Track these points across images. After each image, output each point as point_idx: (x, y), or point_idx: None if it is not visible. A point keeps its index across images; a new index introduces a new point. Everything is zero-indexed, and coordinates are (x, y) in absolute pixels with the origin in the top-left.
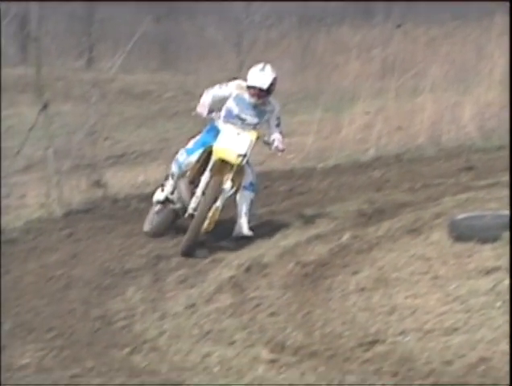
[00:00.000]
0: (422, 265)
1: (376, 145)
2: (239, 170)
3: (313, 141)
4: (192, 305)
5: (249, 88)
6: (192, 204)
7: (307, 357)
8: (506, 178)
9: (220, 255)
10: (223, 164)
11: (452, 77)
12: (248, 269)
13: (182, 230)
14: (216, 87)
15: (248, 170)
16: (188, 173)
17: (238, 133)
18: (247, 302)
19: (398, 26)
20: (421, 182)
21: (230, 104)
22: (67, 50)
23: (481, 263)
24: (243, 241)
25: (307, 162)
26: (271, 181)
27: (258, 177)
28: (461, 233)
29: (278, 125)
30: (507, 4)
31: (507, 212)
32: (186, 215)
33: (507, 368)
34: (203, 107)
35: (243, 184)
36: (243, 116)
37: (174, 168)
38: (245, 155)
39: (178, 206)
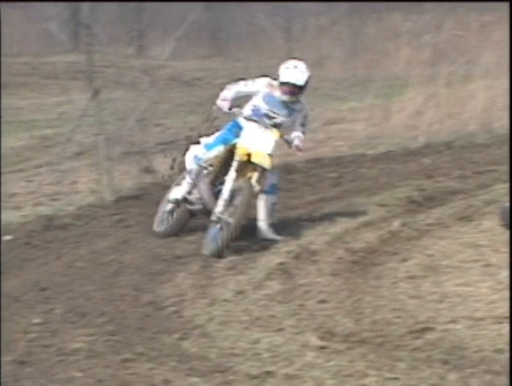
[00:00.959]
0: (473, 253)
1: (426, 132)
2: (264, 170)
3: (363, 128)
4: (241, 292)
5: (282, 84)
6: (219, 208)
7: (357, 344)
8: None
9: (268, 242)
10: (247, 163)
11: (504, 63)
12: (297, 256)
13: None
14: (241, 83)
15: (269, 172)
16: (207, 172)
17: (262, 132)
18: (296, 289)
19: None
20: (472, 170)
21: (258, 102)
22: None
23: None
24: (292, 228)
25: (356, 149)
26: (320, 168)
27: (308, 163)
28: None
29: (302, 125)
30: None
31: None
32: (213, 218)
33: None
34: (224, 101)
35: (264, 187)
36: (272, 114)
37: (191, 164)
38: (270, 155)
39: (197, 207)
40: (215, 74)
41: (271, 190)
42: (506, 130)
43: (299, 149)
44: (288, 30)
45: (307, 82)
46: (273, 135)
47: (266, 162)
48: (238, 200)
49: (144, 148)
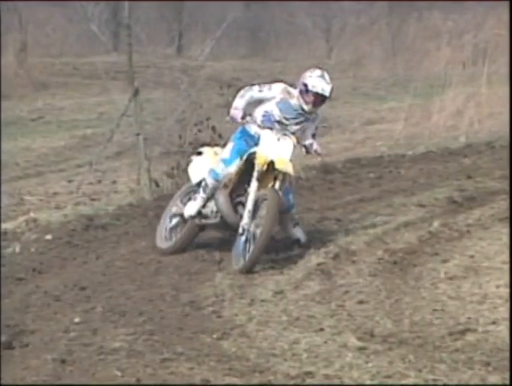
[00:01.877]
0: None
1: (467, 132)
2: (284, 177)
3: (403, 128)
4: (281, 292)
5: (309, 93)
6: (245, 220)
7: (396, 345)
8: None
9: (307, 242)
10: (268, 172)
11: None
12: (336, 256)
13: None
14: (256, 89)
15: (285, 191)
16: (225, 184)
17: (279, 139)
18: (335, 289)
19: None
20: None
21: (272, 108)
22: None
23: None
24: (332, 229)
25: (396, 149)
26: (360, 168)
27: (347, 163)
28: None
29: (313, 135)
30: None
31: None
32: (240, 231)
33: None
34: (237, 111)
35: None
36: (285, 121)
37: (209, 180)
38: (290, 161)
39: (213, 221)
40: (254, 74)
41: (289, 209)
42: None
43: (318, 153)
44: (327, 30)
45: (331, 93)
46: (290, 141)
47: (289, 168)
48: (264, 210)
49: (183, 148)
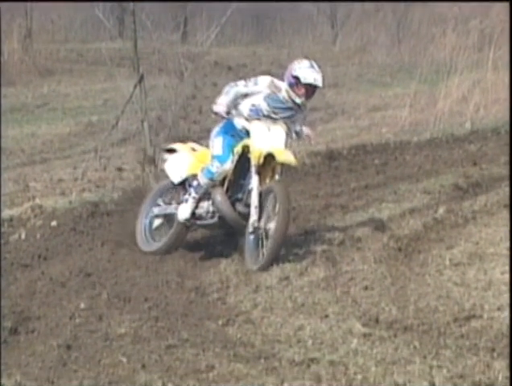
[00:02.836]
0: None
1: (472, 118)
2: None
3: (408, 114)
4: (286, 278)
5: (300, 86)
6: (254, 216)
7: (401, 331)
8: None
9: (313, 229)
10: (265, 164)
11: None
12: (341, 243)
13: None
14: (241, 84)
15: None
16: (218, 182)
17: (269, 128)
18: (340, 276)
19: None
20: None
21: (259, 102)
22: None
23: None
24: (337, 215)
25: (401, 136)
26: (365, 154)
27: (352, 150)
28: None
29: (301, 125)
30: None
31: None
32: (251, 229)
33: None
34: (222, 106)
35: None
36: (273, 116)
37: (203, 180)
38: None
39: (208, 221)
40: (259, 60)
41: None
42: None
43: (310, 138)
44: (333, 16)
45: (323, 83)
46: (281, 128)
47: (291, 158)
48: (273, 204)
49: (188, 134)
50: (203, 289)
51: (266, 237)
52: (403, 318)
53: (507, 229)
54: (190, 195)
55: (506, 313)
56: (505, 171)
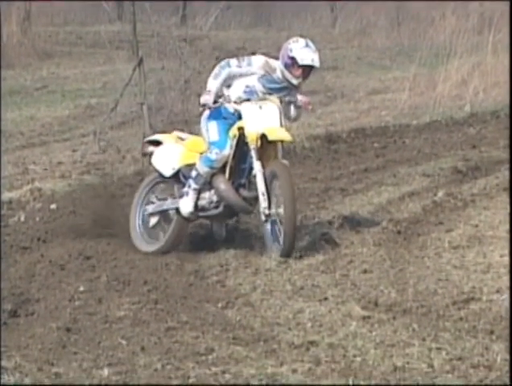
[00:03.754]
0: None
1: (472, 102)
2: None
3: (408, 98)
4: (285, 261)
5: (297, 66)
6: (263, 203)
7: (400, 314)
8: None
9: (312, 212)
10: (264, 145)
11: None
12: (340, 226)
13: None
14: (234, 64)
15: None
16: (218, 170)
17: (260, 107)
18: (340, 259)
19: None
20: None
21: (253, 83)
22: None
23: None
24: (336, 198)
25: (401, 119)
26: (364, 138)
27: (351, 133)
28: None
29: (293, 102)
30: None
31: None
32: (263, 218)
33: None
34: (209, 96)
35: None
36: (269, 97)
37: (203, 169)
38: (282, 126)
39: (213, 212)
40: (258, 43)
41: None
42: None
43: (307, 103)
44: None
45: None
46: (273, 104)
47: (284, 135)
48: (279, 187)
49: (187, 117)
50: (202, 271)
51: (281, 222)
52: (402, 301)
53: (506, 212)
54: (190, 187)
55: (505, 295)
56: (505, 154)
